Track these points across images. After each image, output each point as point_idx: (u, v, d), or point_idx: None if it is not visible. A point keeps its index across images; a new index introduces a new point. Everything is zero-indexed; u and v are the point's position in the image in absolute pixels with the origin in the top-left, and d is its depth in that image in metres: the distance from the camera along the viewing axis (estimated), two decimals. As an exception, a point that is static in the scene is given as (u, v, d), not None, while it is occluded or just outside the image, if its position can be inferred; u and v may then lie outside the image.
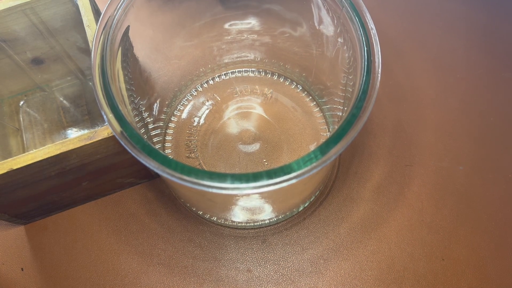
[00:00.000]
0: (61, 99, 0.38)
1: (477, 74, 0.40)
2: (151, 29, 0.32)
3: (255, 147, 0.35)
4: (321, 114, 0.36)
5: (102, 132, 0.26)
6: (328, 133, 0.35)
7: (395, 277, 0.31)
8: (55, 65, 0.37)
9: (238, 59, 0.38)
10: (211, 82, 0.38)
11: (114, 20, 0.25)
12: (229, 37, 0.36)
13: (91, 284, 0.31)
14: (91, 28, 0.29)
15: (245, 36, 0.36)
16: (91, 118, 0.37)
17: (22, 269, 0.32)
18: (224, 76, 0.38)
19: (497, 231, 0.33)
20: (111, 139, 0.26)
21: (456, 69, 0.40)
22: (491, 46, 0.41)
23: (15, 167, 0.25)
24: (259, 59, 0.38)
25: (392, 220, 0.33)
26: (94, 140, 0.25)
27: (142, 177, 0.34)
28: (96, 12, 0.31)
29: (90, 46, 0.25)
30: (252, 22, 0.35)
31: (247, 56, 0.38)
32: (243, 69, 0.39)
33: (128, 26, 0.27)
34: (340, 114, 0.30)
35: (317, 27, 0.32)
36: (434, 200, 0.34)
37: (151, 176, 0.35)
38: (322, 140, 0.35)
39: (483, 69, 0.40)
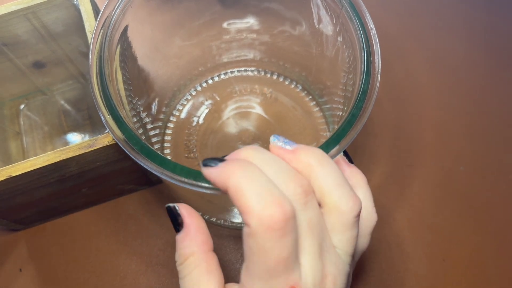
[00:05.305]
0: (62, 102, 0.37)
1: (477, 74, 0.40)
2: (150, 28, 0.32)
3: (255, 147, 0.34)
4: (321, 114, 0.36)
5: (102, 140, 0.25)
6: (328, 133, 0.35)
7: (396, 277, 0.31)
8: (57, 69, 0.36)
9: (238, 58, 0.38)
10: (210, 81, 0.38)
11: (112, 20, 0.25)
12: (228, 36, 0.36)
13: (89, 285, 0.31)
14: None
15: (245, 35, 0.36)
16: (92, 122, 0.37)
17: (20, 269, 0.32)
18: (223, 75, 0.38)
19: (498, 231, 0.33)
20: (112, 147, 0.26)
21: (456, 69, 0.40)
22: (491, 45, 0.41)
23: (14, 174, 0.24)
24: (258, 58, 0.38)
25: (392, 221, 0.33)
26: (94, 148, 0.25)
27: (143, 184, 0.34)
28: (99, 17, 0.31)
29: (91, 49, 0.25)
30: (251, 21, 0.35)
31: (247, 56, 0.38)
32: (243, 69, 0.38)
33: (127, 25, 0.27)
34: (340, 114, 0.30)
35: (317, 26, 0.31)
36: (435, 200, 0.34)
37: (151, 182, 0.34)
38: (322, 140, 0.35)
39: (483, 69, 0.40)
